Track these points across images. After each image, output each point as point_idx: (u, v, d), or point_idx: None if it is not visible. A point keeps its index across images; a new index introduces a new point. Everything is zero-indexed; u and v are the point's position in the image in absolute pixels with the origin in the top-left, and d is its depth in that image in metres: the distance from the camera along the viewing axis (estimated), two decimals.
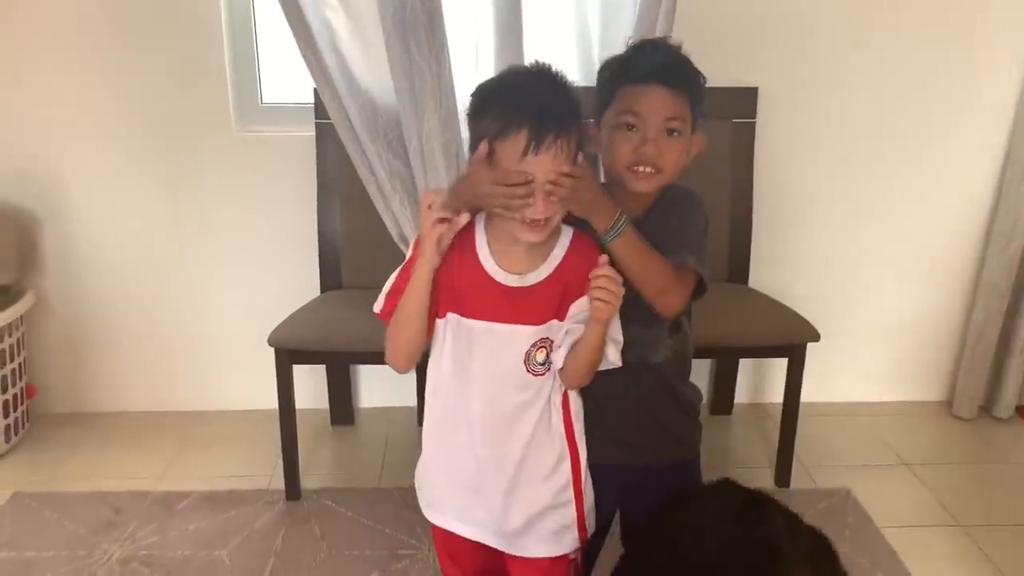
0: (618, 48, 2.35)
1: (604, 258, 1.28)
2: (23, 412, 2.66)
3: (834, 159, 2.70)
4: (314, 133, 2.54)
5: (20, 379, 2.62)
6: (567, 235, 1.36)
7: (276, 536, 2.20)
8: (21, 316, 2.59)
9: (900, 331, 2.92)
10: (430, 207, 1.24)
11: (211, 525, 2.24)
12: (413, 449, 2.55)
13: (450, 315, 1.35)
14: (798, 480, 2.47)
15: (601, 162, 1.47)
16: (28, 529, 2.21)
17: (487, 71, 2.55)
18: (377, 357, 2.33)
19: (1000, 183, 2.73)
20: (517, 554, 1.45)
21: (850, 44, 2.60)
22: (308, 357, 2.32)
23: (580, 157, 1.28)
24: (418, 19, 2.23)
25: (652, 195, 1.45)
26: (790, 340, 2.33)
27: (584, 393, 1.45)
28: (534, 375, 1.35)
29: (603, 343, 1.32)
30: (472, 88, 2.34)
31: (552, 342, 1.34)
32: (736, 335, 2.35)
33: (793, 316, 2.39)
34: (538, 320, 1.33)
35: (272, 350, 2.25)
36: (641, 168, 1.39)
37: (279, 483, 2.38)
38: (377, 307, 1.38)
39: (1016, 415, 2.90)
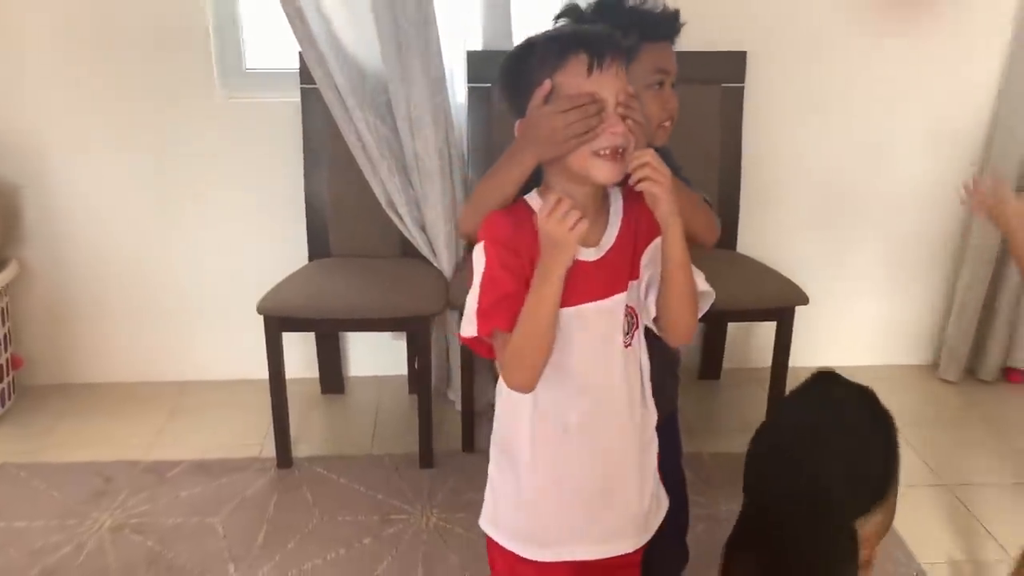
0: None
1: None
2: (9, 383, 2.64)
3: (822, 122, 2.70)
4: (299, 99, 2.51)
5: (5, 350, 2.60)
6: (616, 189, 1.26)
7: (268, 503, 2.20)
8: (4, 286, 2.56)
9: (887, 295, 2.94)
10: (559, 216, 1.09)
11: (203, 493, 2.24)
12: (404, 417, 2.59)
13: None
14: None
15: None
16: (18, 499, 2.21)
17: (475, 36, 2.53)
18: (367, 324, 2.39)
19: (987, 147, 2.74)
20: (643, 542, 1.35)
21: (837, 5, 2.59)
22: (298, 325, 2.31)
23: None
24: None
25: None
26: (779, 304, 2.34)
27: None
28: (626, 347, 1.25)
29: (688, 258, 1.18)
30: (459, 53, 2.32)
31: (634, 308, 1.25)
32: (725, 300, 2.25)
33: (782, 280, 2.39)
34: (624, 285, 1.23)
35: (261, 319, 2.24)
36: (668, 123, 1.43)
37: (270, 451, 2.38)
38: (470, 330, 1.17)
39: (1001, 377, 2.93)
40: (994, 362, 2.89)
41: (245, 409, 2.64)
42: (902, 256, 2.90)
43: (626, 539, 1.31)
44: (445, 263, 2.45)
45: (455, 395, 2.60)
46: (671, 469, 1.56)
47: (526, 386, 1.17)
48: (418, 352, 2.32)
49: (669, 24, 1.40)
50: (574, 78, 1.14)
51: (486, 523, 1.33)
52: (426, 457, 2.36)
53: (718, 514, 2.18)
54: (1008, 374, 2.93)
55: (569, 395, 1.22)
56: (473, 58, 2.51)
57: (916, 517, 2.17)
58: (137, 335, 2.79)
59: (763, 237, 2.74)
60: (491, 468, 1.32)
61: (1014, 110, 2.63)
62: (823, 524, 1.43)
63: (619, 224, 1.23)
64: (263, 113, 2.60)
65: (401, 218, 2.45)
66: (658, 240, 1.21)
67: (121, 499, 2.21)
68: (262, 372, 2.30)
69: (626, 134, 1.14)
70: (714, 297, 1.26)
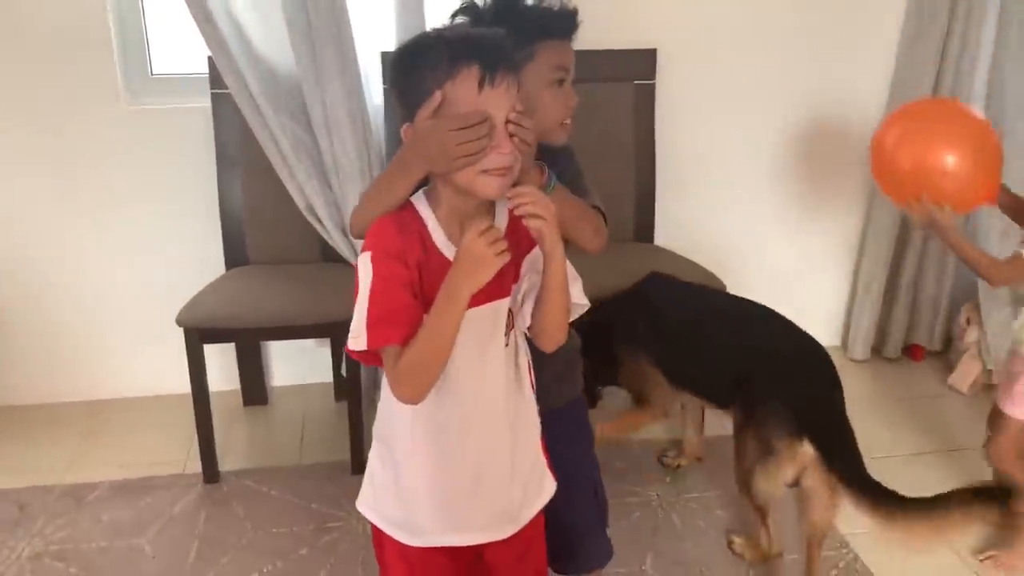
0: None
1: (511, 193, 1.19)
2: None
3: (732, 116, 2.79)
4: (210, 104, 2.45)
5: None
6: (503, 201, 1.25)
7: (197, 520, 2.14)
8: None
9: (797, 280, 3.05)
10: (490, 239, 1.09)
11: (126, 514, 2.16)
12: (332, 424, 2.55)
13: (425, 318, 1.19)
14: (710, 430, 2.56)
15: None
16: None
17: (389, 37, 2.51)
18: (291, 332, 2.34)
19: None
20: (517, 529, 1.36)
21: (745, 2, 2.69)
22: (219, 335, 2.25)
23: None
24: None
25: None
26: None
27: None
28: (506, 346, 1.28)
29: (567, 282, 1.22)
30: (373, 54, 2.29)
31: (512, 309, 1.28)
32: None
33: (699, 270, 2.46)
34: (508, 289, 1.25)
35: (178, 332, 2.17)
36: (568, 121, 1.43)
37: (195, 467, 2.31)
38: (359, 343, 1.14)
39: (903, 355, 3.09)
40: (897, 340, 3.05)
41: (165, 425, 2.55)
42: (809, 244, 3.03)
43: (498, 528, 1.34)
44: None
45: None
46: (577, 457, 1.61)
47: (418, 399, 1.17)
48: (344, 358, 2.29)
49: (568, 21, 1.41)
50: (465, 92, 1.12)
51: (365, 508, 1.35)
52: (358, 463, 2.33)
53: (650, 500, 2.23)
54: (911, 351, 3.08)
55: (449, 394, 1.22)
56: (388, 59, 2.49)
57: None
58: (45, 354, 2.67)
59: (680, 229, 2.81)
60: (372, 456, 1.35)
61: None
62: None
63: (505, 228, 1.24)
64: (172, 120, 2.52)
65: (321, 222, 2.42)
66: (537, 249, 1.23)
67: (39, 526, 2.11)
68: (180, 387, 2.24)
69: (513, 152, 1.15)
70: (586, 309, 1.30)
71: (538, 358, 1.44)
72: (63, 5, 2.37)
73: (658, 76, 2.66)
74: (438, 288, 1.13)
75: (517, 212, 1.14)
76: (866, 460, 2.41)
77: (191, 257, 2.55)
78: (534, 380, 1.38)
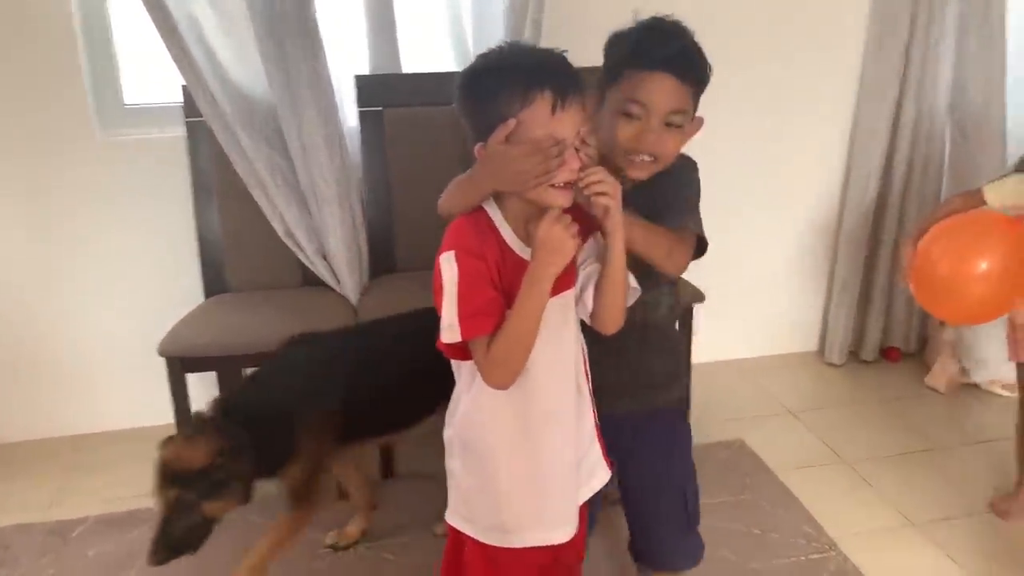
0: (492, 33, 2.43)
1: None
2: None
3: (709, 130, 2.81)
4: (184, 133, 2.44)
5: None
6: None
7: None
8: None
9: (774, 288, 3.10)
10: (564, 224, 1.19)
11: (113, 549, 2.13)
12: None
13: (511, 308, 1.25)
14: (695, 435, 2.53)
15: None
16: None
17: (362, 63, 2.53)
18: None
19: (851, 142, 2.94)
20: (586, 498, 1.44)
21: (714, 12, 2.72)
22: (202, 364, 2.23)
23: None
24: (288, 11, 2.20)
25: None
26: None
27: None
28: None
29: (625, 262, 1.29)
30: (348, 78, 2.29)
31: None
32: None
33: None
34: (572, 281, 1.33)
35: (160, 362, 2.16)
36: (638, 157, 1.44)
37: None
38: (453, 335, 1.20)
39: (880, 357, 3.13)
40: (873, 343, 3.09)
41: (150, 457, 2.50)
42: (784, 252, 3.07)
43: (574, 521, 1.39)
44: (350, 290, 2.43)
45: None
46: (672, 464, 1.67)
47: (508, 383, 1.24)
48: None
49: (658, 54, 1.41)
50: (538, 117, 1.19)
51: (458, 519, 1.38)
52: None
53: None
54: (887, 353, 3.13)
55: (532, 388, 1.28)
56: (362, 82, 2.50)
57: (822, 494, 2.29)
58: (25, 390, 2.63)
59: None
60: (454, 466, 1.38)
61: (871, 112, 2.84)
62: None
63: None
64: (147, 150, 2.50)
65: (300, 247, 2.42)
66: (591, 240, 1.32)
67: (23, 566, 2.07)
68: (163, 418, 2.21)
69: (580, 166, 1.22)
70: (639, 293, 1.37)
71: (650, 353, 1.59)
72: (32, 36, 2.36)
73: None
74: (514, 283, 1.22)
75: (586, 191, 1.23)
76: (850, 463, 2.46)
77: (170, 286, 2.54)
78: (635, 376, 1.54)
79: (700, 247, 1.55)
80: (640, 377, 1.64)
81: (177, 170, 2.48)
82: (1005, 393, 2.83)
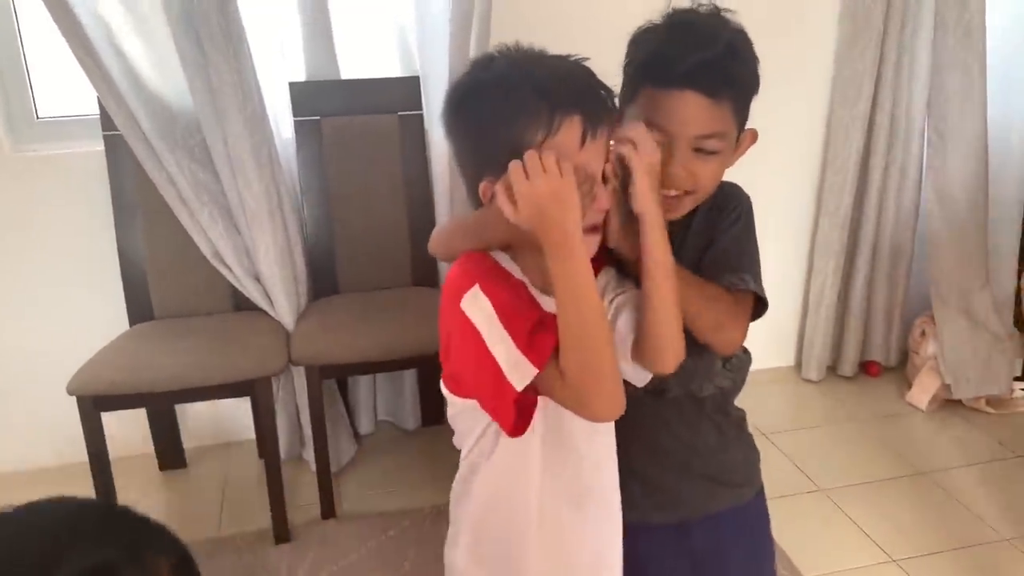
0: (436, 37, 2.24)
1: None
2: None
3: None
4: (103, 147, 2.24)
5: None
6: None
7: None
8: None
9: None
10: (538, 169, 0.92)
11: None
12: (256, 488, 2.33)
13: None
14: None
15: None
16: None
17: (297, 67, 2.35)
18: (199, 394, 2.12)
19: (825, 147, 2.78)
20: None
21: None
22: (119, 402, 2.03)
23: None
24: (208, 10, 2.01)
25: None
26: None
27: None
28: None
29: (671, 259, 1.02)
30: (281, 85, 2.10)
31: None
32: None
33: None
34: None
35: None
36: (666, 192, 1.11)
37: None
38: (526, 373, 0.95)
39: (860, 371, 2.97)
40: (853, 357, 2.93)
41: None
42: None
43: None
44: (285, 314, 2.24)
45: (311, 455, 2.38)
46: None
47: (615, 400, 0.95)
48: (260, 417, 2.09)
49: (678, 66, 1.07)
50: (565, 148, 0.96)
51: None
52: (281, 532, 2.13)
53: None
54: (867, 367, 2.97)
55: (575, 459, 1.05)
56: (296, 90, 2.32)
57: (797, 528, 2.12)
58: None
59: None
60: (456, 560, 1.13)
61: (845, 114, 2.68)
62: None
63: None
64: (62, 166, 2.30)
65: (230, 269, 2.22)
66: (607, 267, 1.10)
67: None
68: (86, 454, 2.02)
69: (608, 202, 1.02)
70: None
71: (712, 440, 1.26)
72: None
73: (426, 105, 2.37)
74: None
75: (613, 140, 1.01)
76: (828, 491, 2.30)
77: (91, 314, 2.33)
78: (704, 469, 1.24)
79: (758, 308, 1.19)
80: (670, 473, 1.28)
81: (96, 187, 2.28)
82: (991, 411, 2.67)
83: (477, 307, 0.97)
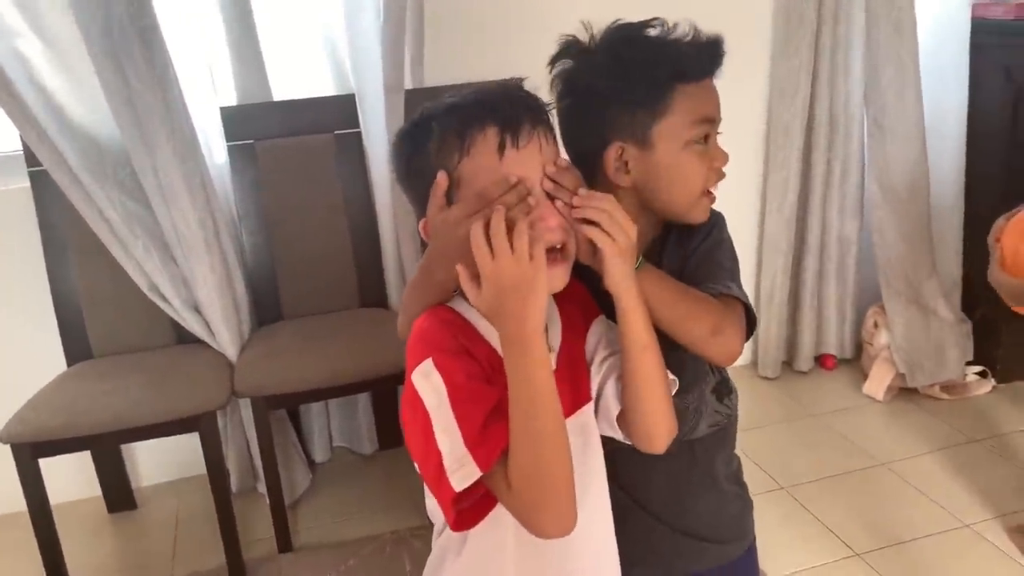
0: (369, 53, 2.20)
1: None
2: None
3: None
4: (29, 184, 2.17)
5: None
6: None
7: None
8: None
9: None
10: (502, 244, 0.83)
11: None
12: (210, 525, 2.25)
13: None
14: None
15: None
16: None
17: (227, 91, 2.29)
18: (142, 433, 2.04)
19: (767, 144, 2.78)
20: None
21: None
22: (57, 447, 1.95)
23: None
24: (130, 40, 1.95)
25: (660, 220, 1.15)
26: None
27: None
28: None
29: (653, 337, 0.94)
30: (212, 110, 2.05)
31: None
32: None
33: None
34: (588, 392, 1.00)
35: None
36: (713, 189, 1.10)
37: None
38: (468, 473, 0.84)
39: (816, 365, 2.98)
40: (808, 352, 2.93)
41: (12, 549, 2.23)
42: None
43: None
44: (227, 344, 2.17)
45: (265, 488, 2.31)
46: None
47: (566, 518, 0.86)
48: (208, 452, 2.02)
49: (709, 54, 1.07)
50: (484, 162, 0.89)
51: None
52: (236, 569, 2.07)
53: None
54: (822, 361, 2.98)
55: (559, 546, 0.91)
56: (228, 114, 2.26)
57: (759, 528, 2.08)
58: None
59: None
60: None
61: (784, 110, 2.68)
62: None
63: (559, 320, 0.99)
64: None
65: (168, 302, 2.16)
66: (599, 319, 1.01)
67: None
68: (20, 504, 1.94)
69: (565, 227, 0.91)
70: (677, 385, 1.02)
71: (703, 494, 1.18)
72: None
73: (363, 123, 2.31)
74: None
75: (575, 213, 0.91)
76: (788, 489, 2.29)
77: (26, 356, 2.26)
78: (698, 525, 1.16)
79: (750, 326, 1.12)
80: (688, 527, 1.21)
81: (24, 225, 2.20)
82: (945, 396, 2.69)
83: (429, 385, 0.87)
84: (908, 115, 2.61)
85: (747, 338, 1.09)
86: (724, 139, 1.14)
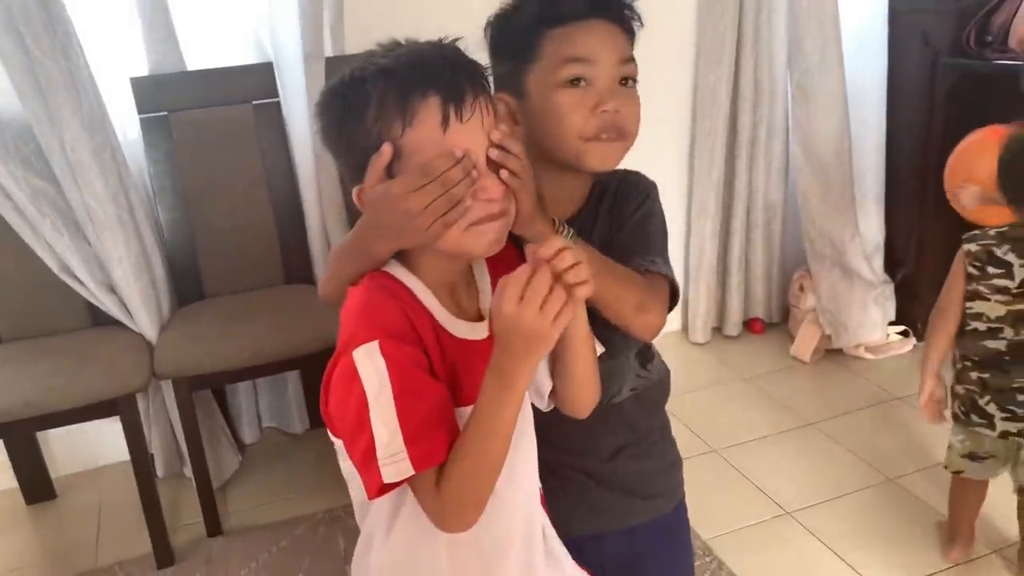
0: (288, 19, 2.13)
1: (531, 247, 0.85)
2: None
3: None
4: None
5: None
6: None
7: None
8: None
9: None
10: (536, 299, 0.79)
11: None
12: (134, 511, 2.18)
13: (459, 411, 0.92)
14: None
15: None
16: None
17: (139, 59, 2.19)
18: (57, 419, 1.95)
19: (693, 111, 2.79)
20: None
21: None
22: None
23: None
24: (29, 6, 1.84)
25: (588, 183, 1.15)
26: None
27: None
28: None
29: (589, 330, 0.97)
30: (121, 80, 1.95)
31: None
32: None
33: None
34: None
35: None
36: (602, 136, 1.06)
37: None
38: (401, 469, 0.84)
39: (745, 330, 3.02)
40: (736, 316, 2.98)
41: None
42: None
43: None
44: (146, 326, 2.09)
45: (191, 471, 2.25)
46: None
47: (470, 526, 0.88)
48: (129, 437, 1.95)
49: None
50: (426, 134, 0.87)
51: None
52: (163, 555, 2.01)
53: None
54: (751, 325, 3.02)
55: (483, 526, 0.91)
56: (140, 85, 2.16)
57: (692, 491, 2.09)
58: None
59: None
60: None
61: (710, 76, 2.69)
62: None
63: (490, 290, 0.99)
64: None
65: (81, 283, 2.07)
66: None
67: None
68: None
69: (504, 195, 0.90)
70: (602, 351, 1.04)
71: (629, 450, 1.19)
72: None
73: (283, 93, 2.26)
74: (457, 371, 0.91)
75: (561, 272, 0.83)
76: (719, 451, 2.32)
77: None
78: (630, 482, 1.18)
79: (672, 299, 1.14)
80: (600, 485, 1.24)
81: None
82: (869, 356, 2.76)
83: (372, 367, 0.85)
84: (830, 80, 2.64)
85: (668, 311, 1.11)
86: (651, 104, 1.13)
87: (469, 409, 0.87)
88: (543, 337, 0.80)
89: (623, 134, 1.08)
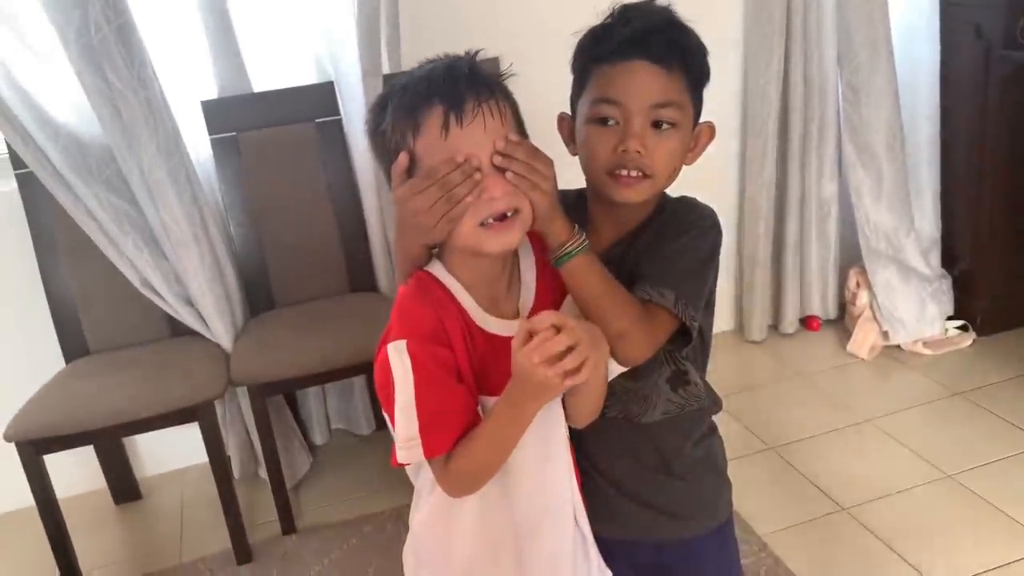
0: (345, 40, 2.23)
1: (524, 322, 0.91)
2: None
3: None
4: (16, 186, 2.19)
5: None
6: (526, 246, 1.09)
7: None
8: None
9: None
10: (544, 355, 0.87)
11: None
12: (215, 510, 2.31)
13: (484, 400, 1.02)
14: None
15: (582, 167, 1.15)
16: None
17: (208, 83, 2.31)
18: (142, 426, 2.09)
19: (743, 110, 2.81)
20: None
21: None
22: (60, 443, 1.99)
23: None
24: (107, 39, 1.97)
25: (648, 206, 1.14)
26: None
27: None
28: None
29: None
30: (193, 105, 2.06)
31: None
32: None
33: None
34: None
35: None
36: (625, 172, 1.07)
37: None
38: (414, 453, 0.96)
39: (801, 327, 3.03)
40: (792, 314, 2.98)
41: (23, 545, 2.29)
42: None
43: None
44: (221, 335, 2.22)
45: (266, 472, 2.36)
46: None
47: (472, 493, 1.03)
48: (208, 441, 2.07)
49: (634, 40, 1.06)
50: (432, 138, 0.94)
51: None
52: (242, 552, 2.13)
53: None
54: (807, 323, 3.03)
55: (521, 482, 1.04)
56: (210, 108, 2.28)
57: (749, 488, 2.16)
58: None
59: None
60: None
61: (759, 74, 2.71)
62: None
63: (534, 286, 1.07)
64: None
65: (160, 296, 2.20)
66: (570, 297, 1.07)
67: None
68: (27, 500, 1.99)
69: (511, 194, 0.95)
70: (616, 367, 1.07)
71: (651, 470, 1.21)
72: None
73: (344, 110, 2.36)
74: (489, 365, 1.00)
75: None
76: (777, 448, 2.34)
77: (24, 356, 2.30)
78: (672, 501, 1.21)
79: (684, 335, 1.10)
80: (625, 497, 1.22)
81: (14, 227, 2.23)
82: (928, 352, 2.75)
83: (400, 362, 0.96)
84: (881, 75, 2.64)
85: (680, 347, 1.11)
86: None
87: (494, 400, 0.98)
88: (551, 388, 0.90)
89: (647, 174, 1.08)
